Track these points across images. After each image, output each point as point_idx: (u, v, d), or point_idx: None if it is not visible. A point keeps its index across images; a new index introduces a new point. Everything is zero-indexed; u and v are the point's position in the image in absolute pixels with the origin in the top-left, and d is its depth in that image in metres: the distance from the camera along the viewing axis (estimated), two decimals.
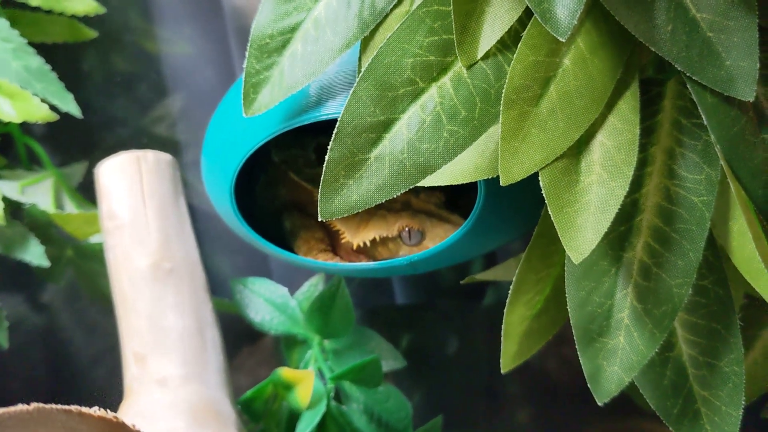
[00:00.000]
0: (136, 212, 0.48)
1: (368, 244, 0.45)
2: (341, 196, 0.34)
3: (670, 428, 0.37)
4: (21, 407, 0.26)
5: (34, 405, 0.26)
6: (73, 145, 0.65)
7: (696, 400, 0.36)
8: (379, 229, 0.45)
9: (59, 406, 0.27)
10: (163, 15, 0.65)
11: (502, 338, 0.40)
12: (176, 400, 0.43)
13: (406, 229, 0.44)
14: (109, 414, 0.27)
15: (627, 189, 0.32)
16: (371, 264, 0.44)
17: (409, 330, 0.67)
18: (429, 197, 0.46)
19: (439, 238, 0.44)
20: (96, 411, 0.27)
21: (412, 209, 0.45)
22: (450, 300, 0.68)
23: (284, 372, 0.49)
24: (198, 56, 0.67)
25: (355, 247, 0.46)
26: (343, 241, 0.46)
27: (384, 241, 0.45)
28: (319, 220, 0.34)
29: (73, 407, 0.27)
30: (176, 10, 0.65)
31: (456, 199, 0.48)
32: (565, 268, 0.35)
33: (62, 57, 0.59)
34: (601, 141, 0.34)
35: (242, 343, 0.72)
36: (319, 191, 0.34)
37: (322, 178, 0.34)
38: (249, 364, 0.75)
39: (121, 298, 0.47)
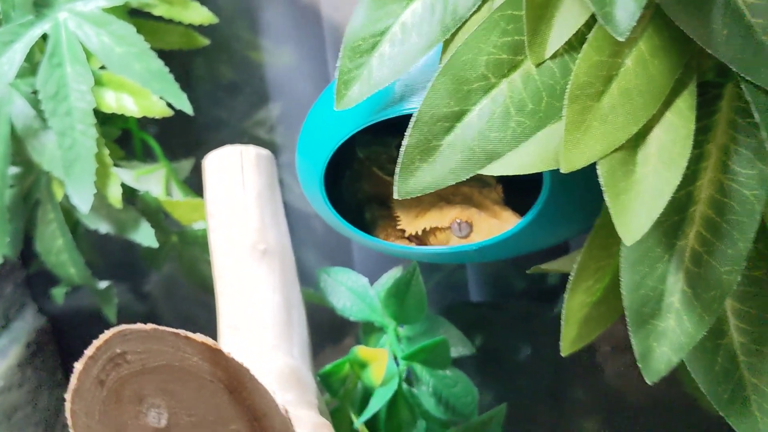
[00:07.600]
0: (237, 198, 0.54)
1: (419, 233, 0.49)
2: (416, 178, 0.38)
3: (721, 413, 0.39)
4: (140, 325, 0.31)
5: (150, 325, 0.31)
6: (181, 143, 0.72)
7: (746, 387, 0.38)
8: (434, 219, 0.48)
9: (170, 329, 0.32)
10: (269, 28, 0.71)
11: (562, 322, 0.42)
12: (264, 366, 0.48)
13: (457, 221, 0.47)
14: (209, 341, 0.32)
15: (680, 178, 0.35)
16: (444, 248, 0.48)
17: (480, 329, 0.69)
18: (489, 192, 0.49)
19: (484, 232, 0.47)
20: (198, 336, 0.32)
21: (471, 202, 0.48)
22: (523, 302, 0.71)
23: (360, 350, 0.53)
24: (297, 67, 0.72)
25: (407, 234, 0.50)
26: (398, 227, 0.50)
27: (434, 231, 0.49)
28: (394, 197, 0.38)
29: (181, 330, 0.32)
30: (280, 24, 0.71)
31: (517, 197, 0.50)
32: (621, 254, 0.38)
33: (176, 62, 0.65)
34: (657, 135, 0.36)
35: (325, 342, 0.77)
36: (396, 173, 0.38)
37: (399, 162, 0.38)
38: (330, 361, 0.79)
39: (219, 274, 0.53)
